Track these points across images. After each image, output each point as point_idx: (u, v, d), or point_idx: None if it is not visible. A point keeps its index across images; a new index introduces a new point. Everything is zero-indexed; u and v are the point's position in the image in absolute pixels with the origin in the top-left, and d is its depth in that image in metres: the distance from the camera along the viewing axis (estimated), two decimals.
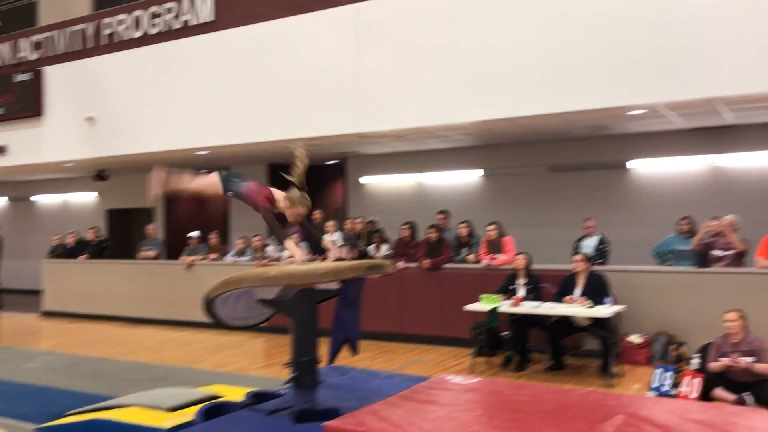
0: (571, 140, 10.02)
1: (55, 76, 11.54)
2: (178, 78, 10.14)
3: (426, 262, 8.47)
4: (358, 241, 9.44)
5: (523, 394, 4.13)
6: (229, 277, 4.08)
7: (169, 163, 5.84)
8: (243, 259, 10.11)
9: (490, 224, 8.34)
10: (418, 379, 4.91)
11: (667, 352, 6.93)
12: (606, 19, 7.21)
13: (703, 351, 6.16)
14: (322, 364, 4.24)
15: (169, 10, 10.31)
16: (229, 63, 9.70)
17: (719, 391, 5.49)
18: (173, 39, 10.25)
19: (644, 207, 9.58)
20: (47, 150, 11.66)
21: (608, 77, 7.16)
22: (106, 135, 10.82)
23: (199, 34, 10.01)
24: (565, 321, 6.81)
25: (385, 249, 9.11)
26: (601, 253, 8.00)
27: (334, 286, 4.22)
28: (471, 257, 8.41)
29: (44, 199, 16.52)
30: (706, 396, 5.42)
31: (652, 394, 5.55)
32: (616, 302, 6.92)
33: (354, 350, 4.33)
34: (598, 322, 6.61)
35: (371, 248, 9.24)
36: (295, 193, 4.18)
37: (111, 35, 10.96)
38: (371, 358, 7.63)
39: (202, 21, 10.02)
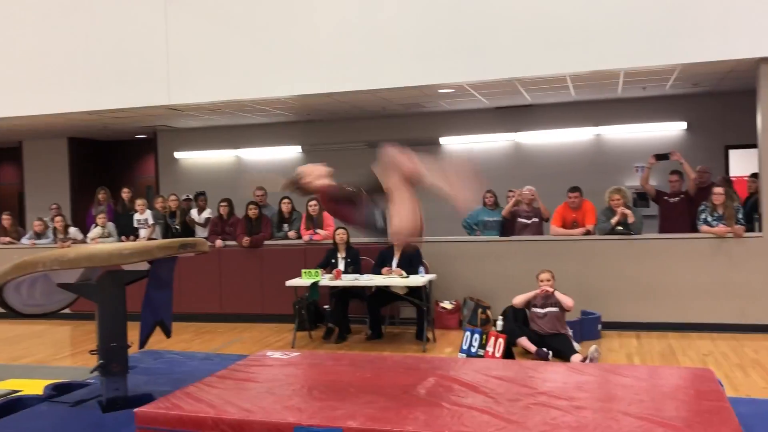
0: (387, 117, 10.33)
1: None
2: None
3: (245, 240, 8.31)
4: (172, 220, 9.03)
5: (342, 363, 4.22)
6: (20, 261, 3.72)
7: None
8: (42, 242, 9.27)
9: (311, 200, 8.36)
10: (237, 358, 4.82)
11: (475, 316, 7.43)
12: (419, 0, 7.51)
13: (506, 313, 6.71)
14: (133, 349, 4.03)
15: None
16: (30, 27, 8.78)
17: (523, 341, 6.10)
18: None
19: None
20: None
21: (420, 57, 7.50)
22: None
23: None
24: (383, 291, 7.05)
25: (207, 213, 9.11)
26: None
27: (143, 266, 4.01)
28: (292, 233, 8.38)
29: None
30: (509, 354, 5.90)
31: (462, 355, 5.93)
32: (428, 271, 7.29)
33: (167, 332, 4.17)
34: (413, 291, 6.93)
35: (194, 212, 9.12)
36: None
37: None
38: (188, 340, 7.39)
39: None
